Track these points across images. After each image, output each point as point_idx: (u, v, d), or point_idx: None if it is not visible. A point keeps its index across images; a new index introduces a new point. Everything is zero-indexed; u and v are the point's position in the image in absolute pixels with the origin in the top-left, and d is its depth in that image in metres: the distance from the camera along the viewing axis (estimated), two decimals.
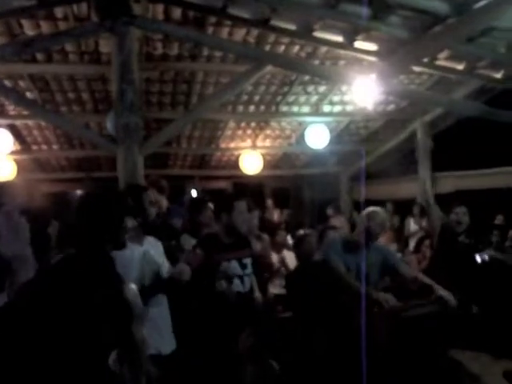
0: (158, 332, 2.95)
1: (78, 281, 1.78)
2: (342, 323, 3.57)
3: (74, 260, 1.99)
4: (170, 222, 4.73)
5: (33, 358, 0.81)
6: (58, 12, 5.51)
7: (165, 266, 3.20)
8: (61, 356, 0.78)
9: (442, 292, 3.43)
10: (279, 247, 6.66)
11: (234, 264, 3.79)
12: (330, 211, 9.39)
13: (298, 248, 4.98)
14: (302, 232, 5.16)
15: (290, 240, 7.06)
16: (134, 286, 2.01)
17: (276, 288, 5.90)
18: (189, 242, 4.10)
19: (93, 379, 0.79)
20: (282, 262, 6.41)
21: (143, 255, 3.00)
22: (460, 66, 5.93)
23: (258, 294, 4.33)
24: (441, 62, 5.87)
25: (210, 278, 3.62)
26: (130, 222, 2.32)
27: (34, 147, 9.35)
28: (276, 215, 9.65)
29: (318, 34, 5.53)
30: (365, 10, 4.82)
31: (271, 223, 8.22)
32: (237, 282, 3.78)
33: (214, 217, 4.48)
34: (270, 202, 10.28)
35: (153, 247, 3.16)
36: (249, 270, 3.90)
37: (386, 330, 3.28)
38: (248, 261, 3.91)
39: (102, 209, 2.21)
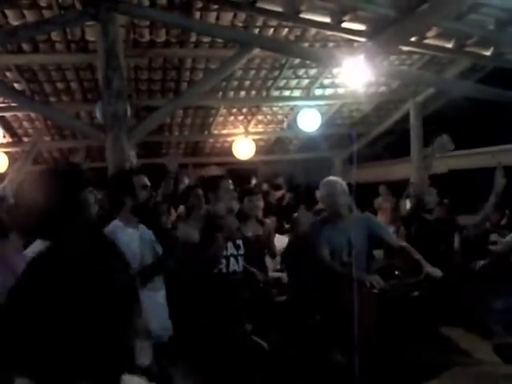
0: (156, 318, 2.93)
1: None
2: (333, 306, 3.58)
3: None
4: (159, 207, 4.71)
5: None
6: (42, 1, 5.44)
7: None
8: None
9: (429, 268, 3.41)
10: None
11: (230, 244, 3.82)
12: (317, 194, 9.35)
13: (293, 230, 5.00)
14: (296, 215, 5.18)
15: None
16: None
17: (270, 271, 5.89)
18: (183, 229, 4.10)
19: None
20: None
21: (141, 239, 2.99)
22: (449, 45, 5.89)
23: (254, 270, 4.37)
24: (430, 41, 5.82)
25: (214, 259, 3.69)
26: (91, 197, 2.23)
27: (25, 139, 9.29)
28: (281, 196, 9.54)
29: (306, 16, 5.49)
30: None
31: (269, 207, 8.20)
32: (233, 261, 3.82)
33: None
34: (265, 186, 10.25)
35: (146, 233, 3.14)
36: (241, 250, 3.93)
37: (376, 310, 3.28)
38: (240, 242, 3.94)
39: (47, 184, 2.14)
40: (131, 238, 2.91)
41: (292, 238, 5.24)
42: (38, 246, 2.09)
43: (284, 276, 5.43)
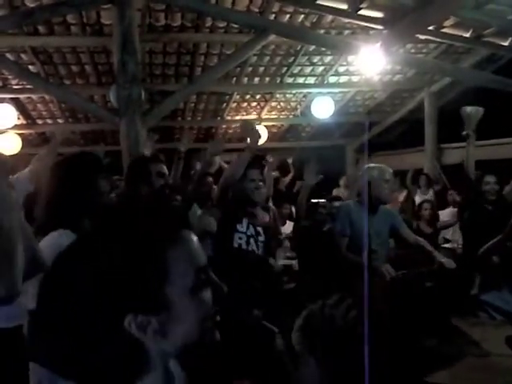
0: None
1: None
2: (345, 293, 3.58)
3: None
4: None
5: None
6: None
7: None
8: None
9: (442, 259, 3.42)
10: (284, 219, 6.67)
11: (251, 226, 3.81)
12: (341, 182, 9.36)
13: (309, 217, 4.99)
14: (313, 202, 5.15)
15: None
16: None
17: (280, 259, 5.91)
18: (196, 211, 4.11)
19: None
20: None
21: None
22: (466, 34, 5.83)
23: (273, 261, 4.38)
24: (447, 30, 5.77)
25: (230, 233, 3.70)
26: (104, 185, 2.21)
27: (39, 121, 9.34)
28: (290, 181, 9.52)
29: (322, 2, 5.45)
30: None
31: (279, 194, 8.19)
32: (252, 241, 3.80)
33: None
34: (275, 174, 10.23)
35: None
36: (262, 237, 3.93)
37: (387, 298, 3.29)
38: (261, 229, 3.95)
39: (66, 171, 2.14)
40: None
41: (304, 224, 5.22)
42: (55, 238, 2.06)
43: (295, 263, 5.44)
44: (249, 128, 4.01)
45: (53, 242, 2.01)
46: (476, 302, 3.73)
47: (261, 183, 3.94)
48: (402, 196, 8.85)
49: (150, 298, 0.84)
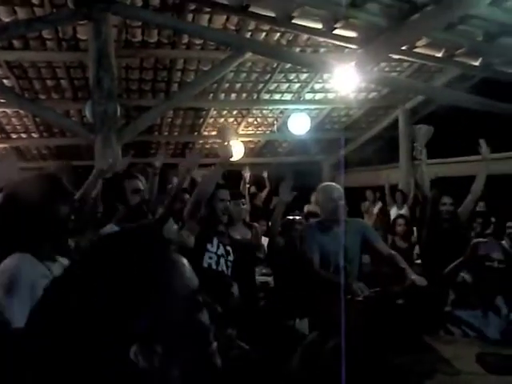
0: None
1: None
2: (319, 312, 3.60)
3: None
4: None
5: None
6: None
7: None
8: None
9: (413, 276, 3.44)
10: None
11: (221, 246, 3.83)
12: (313, 198, 9.41)
13: (284, 234, 4.99)
14: (288, 218, 5.16)
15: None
16: None
17: (256, 276, 5.89)
18: (171, 226, 4.09)
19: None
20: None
21: None
22: (439, 54, 5.94)
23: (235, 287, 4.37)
24: (420, 50, 5.87)
25: (200, 253, 3.70)
26: (64, 210, 2.15)
27: (14, 136, 9.23)
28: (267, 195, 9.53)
29: (298, 21, 5.51)
30: None
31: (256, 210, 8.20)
32: (222, 261, 3.83)
33: None
34: (252, 189, 10.26)
35: None
36: (231, 257, 3.94)
37: (360, 318, 3.31)
38: (230, 248, 3.95)
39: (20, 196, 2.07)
40: None
41: (279, 240, 5.23)
42: (14, 260, 1.98)
43: (271, 280, 5.43)
44: (226, 132, 4.04)
45: (11, 265, 1.97)
46: (450, 318, 3.77)
47: (229, 203, 3.96)
48: (376, 208, 8.95)
49: (150, 325, 0.83)
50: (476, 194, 4.95)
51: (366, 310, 3.34)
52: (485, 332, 3.66)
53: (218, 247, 3.83)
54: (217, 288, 3.80)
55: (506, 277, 3.69)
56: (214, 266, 3.80)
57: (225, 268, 3.88)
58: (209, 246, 3.78)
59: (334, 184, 4.07)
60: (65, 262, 2.20)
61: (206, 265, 3.74)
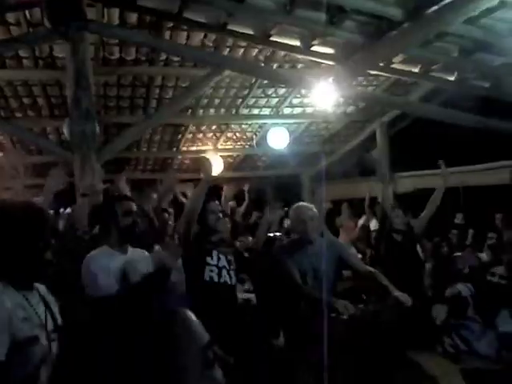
0: None
1: None
2: (301, 330, 3.59)
3: None
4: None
5: None
6: (10, 17, 5.37)
7: None
8: None
9: (397, 293, 3.44)
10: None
11: (222, 257, 3.86)
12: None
13: (266, 252, 4.98)
14: (269, 236, 5.15)
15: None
16: None
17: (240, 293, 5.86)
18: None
19: None
20: None
21: (127, 261, 2.93)
22: (415, 69, 6.04)
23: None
24: (396, 66, 5.97)
25: (200, 267, 3.75)
26: (43, 240, 2.09)
27: None
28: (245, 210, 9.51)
29: (276, 39, 5.56)
30: (320, 16, 4.88)
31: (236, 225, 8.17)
32: (224, 273, 3.84)
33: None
34: (232, 204, 10.24)
35: (139, 257, 3.10)
36: (233, 266, 3.94)
37: (344, 335, 3.31)
38: (232, 258, 3.96)
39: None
40: (113, 260, 2.86)
41: (262, 257, 5.22)
42: None
43: (253, 297, 5.42)
44: (204, 163, 4.07)
45: None
46: (444, 330, 3.80)
47: (221, 214, 4.00)
48: (359, 222, 8.97)
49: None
50: (431, 210, 5.21)
51: (351, 328, 3.34)
52: (476, 347, 3.71)
53: (219, 259, 3.86)
54: (219, 301, 3.80)
55: (507, 292, 3.74)
56: (215, 279, 3.82)
57: (228, 279, 3.89)
58: (208, 260, 3.82)
59: (305, 204, 4.10)
60: (42, 288, 2.19)
61: (207, 278, 3.78)
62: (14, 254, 2.03)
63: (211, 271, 3.78)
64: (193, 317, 0.91)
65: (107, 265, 2.82)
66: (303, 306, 3.80)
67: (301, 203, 4.12)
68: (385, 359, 3.16)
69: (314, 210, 3.97)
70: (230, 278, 3.89)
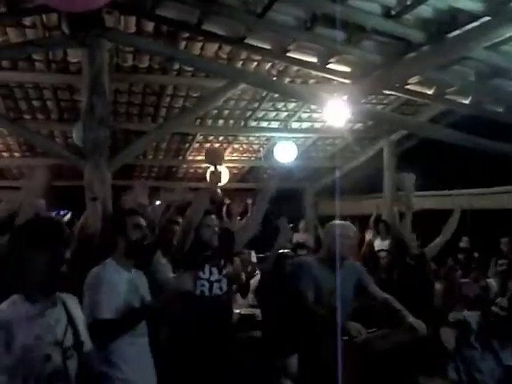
0: (140, 372, 2.81)
1: None
2: (313, 352, 3.54)
3: None
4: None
5: None
6: (27, 20, 5.35)
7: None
8: None
9: (411, 319, 3.39)
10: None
11: (215, 271, 3.81)
12: (301, 226, 9.46)
13: (275, 269, 4.92)
14: (280, 253, 5.07)
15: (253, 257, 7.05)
16: None
17: (241, 308, 5.81)
18: (159, 258, 4.02)
19: None
20: None
21: (129, 283, 2.88)
22: (429, 91, 6.03)
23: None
24: (411, 87, 5.95)
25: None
26: (61, 256, 2.16)
27: None
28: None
29: (293, 55, 5.55)
30: (340, 34, 4.86)
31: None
32: (215, 286, 3.80)
33: None
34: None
35: (138, 279, 3.05)
36: (224, 270, 3.90)
37: (357, 359, 3.26)
38: (225, 271, 3.92)
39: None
40: (120, 279, 2.81)
41: (270, 274, 5.17)
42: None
43: (258, 312, 5.36)
44: (214, 156, 4.01)
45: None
46: (454, 356, 3.75)
47: (217, 229, 3.93)
48: (366, 238, 8.90)
49: None
50: (447, 235, 5.15)
51: (364, 352, 3.29)
52: (477, 376, 3.67)
53: (211, 273, 3.80)
54: (210, 314, 3.76)
55: (506, 324, 3.70)
56: (206, 293, 3.76)
57: (219, 291, 3.84)
58: (200, 274, 3.74)
59: (348, 223, 3.95)
60: (71, 302, 2.25)
61: (198, 292, 3.71)
62: (31, 269, 2.08)
63: (202, 285, 3.73)
64: None
65: (116, 283, 2.76)
66: (313, 325, 3.74)
67: (342, 222, 3.96)
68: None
69: (355, 229, 3.90)
70: (221, 290, 3.84)
